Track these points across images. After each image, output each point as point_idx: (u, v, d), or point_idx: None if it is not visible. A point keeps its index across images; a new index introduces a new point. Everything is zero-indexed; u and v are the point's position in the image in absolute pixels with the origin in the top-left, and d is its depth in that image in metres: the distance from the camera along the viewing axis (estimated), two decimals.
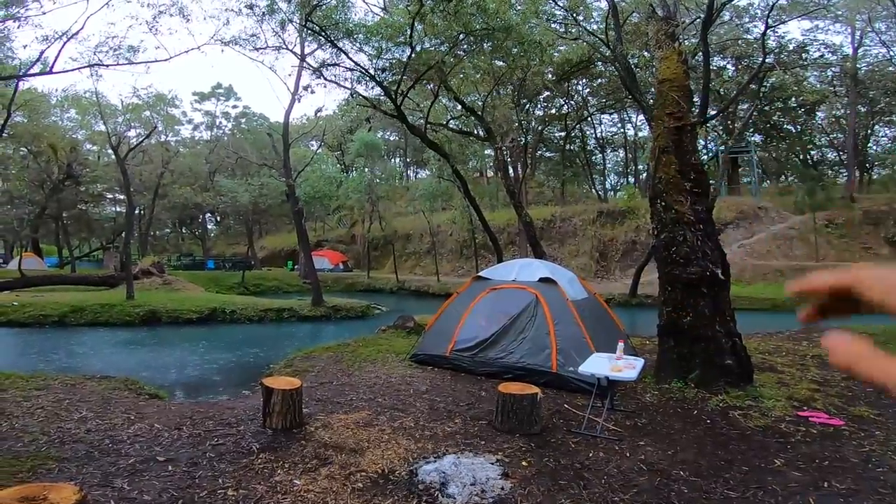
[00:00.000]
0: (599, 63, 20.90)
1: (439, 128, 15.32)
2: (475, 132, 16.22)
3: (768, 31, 10.52)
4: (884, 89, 27.88)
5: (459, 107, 15.01)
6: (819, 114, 31.70)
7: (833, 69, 28.62)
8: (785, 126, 33.60)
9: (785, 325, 10.89)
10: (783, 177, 38.87)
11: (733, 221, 25.74)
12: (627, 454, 4.13)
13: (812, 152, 34.72)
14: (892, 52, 25.60)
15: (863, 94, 28.33)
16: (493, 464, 3.83)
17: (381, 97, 13.78)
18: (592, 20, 14.23)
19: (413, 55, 11.98)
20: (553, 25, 14.12)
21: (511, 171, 26.25)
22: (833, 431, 4.62)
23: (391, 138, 48.82)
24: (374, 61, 12.68)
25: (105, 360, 10.27)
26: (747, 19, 20.60)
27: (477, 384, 6.17)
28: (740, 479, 3.68)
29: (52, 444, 4.07)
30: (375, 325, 11.65)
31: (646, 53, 11.76)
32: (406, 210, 38.86)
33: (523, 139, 29.42)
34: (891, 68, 26.14)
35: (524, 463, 3.90)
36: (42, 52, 12.43)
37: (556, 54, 17.44)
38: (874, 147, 33.71)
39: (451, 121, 15.98)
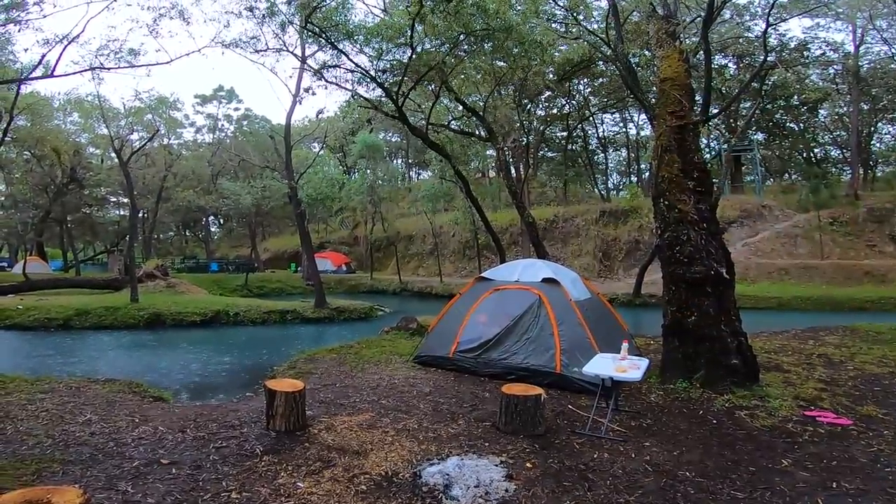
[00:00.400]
0: (600, 62, 20.87)
1: (441, 129, 15.31)
2: (477, 133, 16.22)
3: (769, 29, 10.49)
4: (886, 87, 27.77)
5: (461, 107, 15.01)
6: (822, 111, 31.63)
7: (835, 67, 28.54)
8: (787, 124, 33.50)
9: (790, 324, 10.83)
10: (786, 175, 38.75)
11: (737, 220, 25.67)
12: (632, 455, 4.10)
13: (815, 150, 34.61)
14: (893, 50, 25.48)
15: (865, 92, 28.22)
16: (497, 465, 3.81)
17: (383, 98, 13.78)
18: (593, 20, 14.17)
19: (414, 56, 11.98)
20: (553, 25, 14.10)
21: (513, 171, 26.26)
22: (841, 431, 4.58)
23: (393, 139, 48.88)
24: (375, 63, 12.70)
25: (109, 363, 10.30)
26: (748, 17, 20.53)
27: (480, 385, 6.15)
28: (747, 480, 3.65)
29: (56, 447, 4.07)
30: (378, 326, 11.65)
31: (647, 52, 11.75)
32: (408, 211, 38.92)
33: (525, 139, 29.36)
34: (893, 66, 26.04)
35: (528, 464, 3.87)
36: (43, 56, 12.45)
37: (556, 54, 17.44)
38: (877, 144, 33.61)
39: (453, 121, 15.98)
